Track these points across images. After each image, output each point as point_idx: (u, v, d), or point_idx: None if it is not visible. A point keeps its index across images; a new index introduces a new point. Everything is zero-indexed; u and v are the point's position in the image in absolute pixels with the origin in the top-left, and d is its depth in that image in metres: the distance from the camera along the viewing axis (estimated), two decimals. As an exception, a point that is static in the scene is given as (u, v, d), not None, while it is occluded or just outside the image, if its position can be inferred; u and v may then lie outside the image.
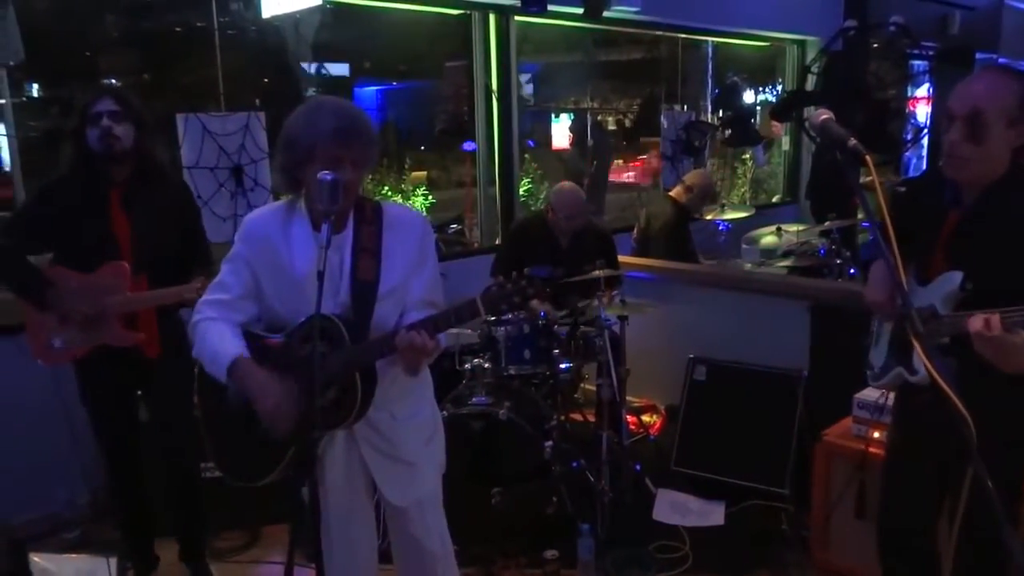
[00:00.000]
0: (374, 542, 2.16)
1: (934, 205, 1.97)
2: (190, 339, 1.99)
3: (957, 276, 1.85)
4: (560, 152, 9.27)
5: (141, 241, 2.53)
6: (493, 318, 1.76)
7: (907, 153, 7.07)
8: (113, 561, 2.91)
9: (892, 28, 4.93)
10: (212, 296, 1.97)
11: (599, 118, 9.94)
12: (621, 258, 4.12)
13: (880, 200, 1.55)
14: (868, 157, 1.60)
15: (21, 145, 3.72)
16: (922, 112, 7.56)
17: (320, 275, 1.69)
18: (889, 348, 2.12)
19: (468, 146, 5.38)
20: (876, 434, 2.70)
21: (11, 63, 3.29)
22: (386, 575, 2.20)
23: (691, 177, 5.02)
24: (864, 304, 2.16)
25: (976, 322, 1.66)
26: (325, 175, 1.75)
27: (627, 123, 9.90)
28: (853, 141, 1.63)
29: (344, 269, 1.89)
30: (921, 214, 2.01)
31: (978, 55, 8.79)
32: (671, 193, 5.02)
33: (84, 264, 2.49)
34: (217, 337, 1.89)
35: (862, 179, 1.70)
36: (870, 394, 2.76)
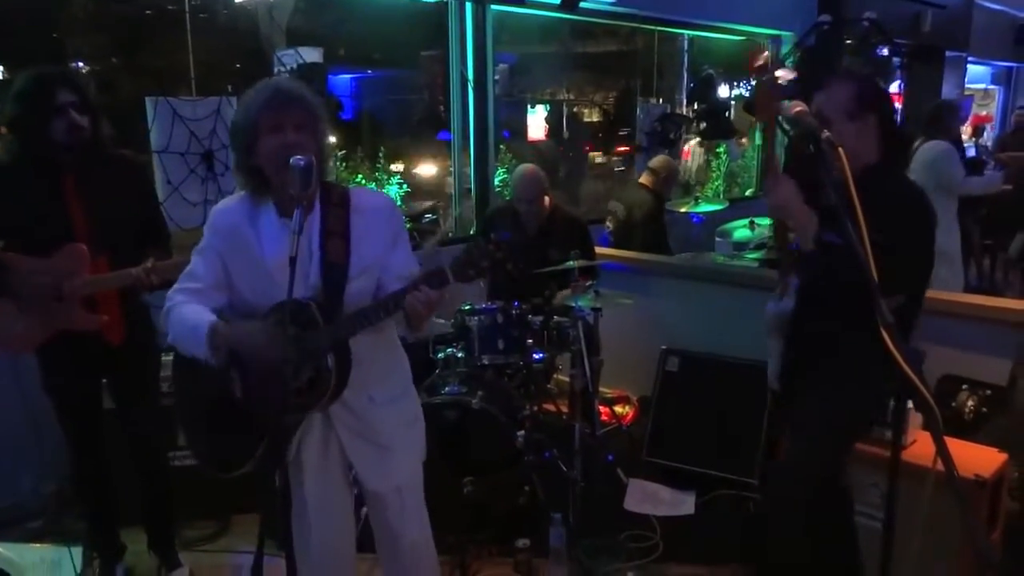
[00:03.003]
0: (351, 527, 2.15)
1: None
2: (161, 327, 1.96)
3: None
4: (536, 143, 9.25)
5: (97, 224, 2.46)
6: (463, 283, 1.74)
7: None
8: (78, 550, 2.88)
9: (865, 24, 4.99)
10: (183, 285, 1.96)
11: (575, 109, 9.93)
12: (596, 249, 4.12)
13: (851, 191, 1.57)
14: (840, 149, 1.62)
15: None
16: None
17: (292, 261, 1.68)
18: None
19: (444, 136, 5.36)
20: (844, 424, 2.74)
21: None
22: (363, 564, 2.19)
23: (655, 163, 5.06)
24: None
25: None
26: (298, 160, 1.74)
27: (603, 115, 9.91)
28: (826, 133, 1.65)
29: (313, 253, 1.88)
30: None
31: (948, 53, 8.94)
32: (641, 181, 5.05)
33: (39, 249, 2.41)
34: (191, 314, 1.88)
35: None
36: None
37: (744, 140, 8.18)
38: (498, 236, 1.76)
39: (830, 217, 2.04)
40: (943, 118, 4.83)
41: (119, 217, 2.53)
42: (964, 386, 3.10)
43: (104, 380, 2.71)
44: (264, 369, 1.79)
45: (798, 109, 1.78)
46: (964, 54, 9.31)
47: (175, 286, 1.98)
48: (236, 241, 1.91)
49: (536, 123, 9.61)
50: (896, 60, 6.02)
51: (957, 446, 2.44)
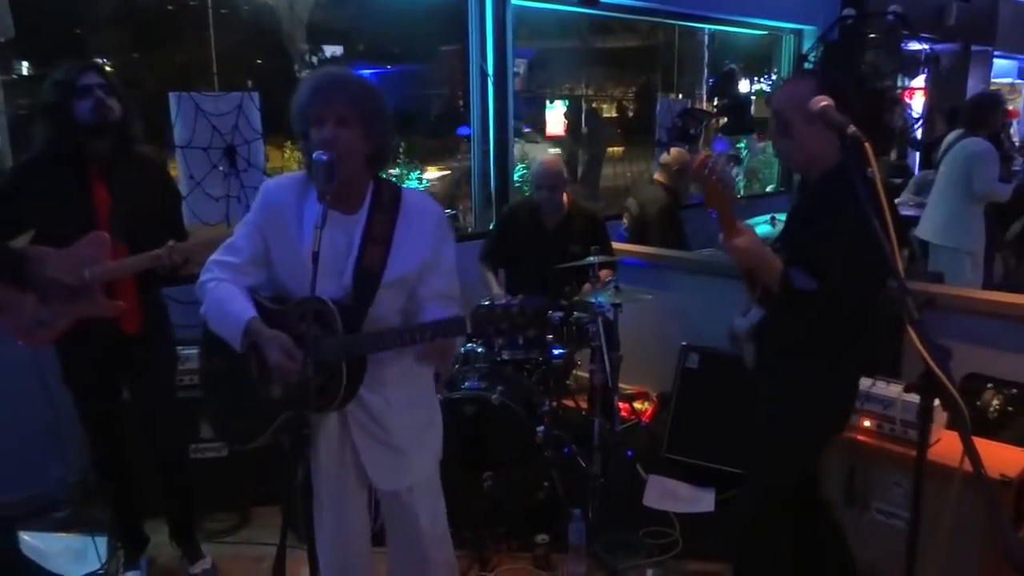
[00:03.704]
0: (366, 523, 2.15)
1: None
2: (199, 298, 1.95)
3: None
4: (555, 139, 9.23)
5: (120, 213, 2.50)
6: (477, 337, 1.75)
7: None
8: (102, 540, 2.92)
9: (890, 17, 4.92)
10: (222, 257, 1.95)
11: (594, 105, 9.89)
12: (615, 245, 4.11)
13: (879, 188, 1.55)
14: (867, 144, 1.60)
15: (10, 123, 3.68)
16: (918, 103, 7.56)
17: (315, 256, 1.68)
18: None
19: (463, 131, 5.36)
20: (866, 423, 2.72)
21: (1, 40, 3.24)
22: (380, 557, 2.20)
23: (666, 158, 5.02)
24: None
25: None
26: (320, 155, 1.75)
27: (623, 110, 9.86)
28: (852, 128, 1.63)
29: (352, 252, 1.86)
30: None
31: (974, 48, 8.81)
32: (656, 177, 5.02)
33: (63, 240, 2.45)
34: (232, 300, 1.88)
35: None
36: (861, 383, 2.77)
37: (766, 135, 8.11)
38: (528, 302, 1.71)
39: (797, 253, 2.07)
40: (984, 111, 4.72)
41: (141, 210, 2.56)
42: (989, 384, 3.06)
43: (122, 373, 2.74)
44: (279, 376, 1.84)
45: (823, 104, 1.76)
46: (990, 48, 9.18)
47: (214, 255, 1.97)
48: (279, 220, 1.89)
49: (555, 118, 9.60)
50: (926, 51, 5.92)
51: (982, 445, 2.38)
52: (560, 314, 3.43)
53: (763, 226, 5.34)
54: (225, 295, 1.89)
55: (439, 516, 2.12)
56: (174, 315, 2.84)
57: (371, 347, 1.83)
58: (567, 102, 9.36)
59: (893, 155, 6.82)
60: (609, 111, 9.95)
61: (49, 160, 2.48)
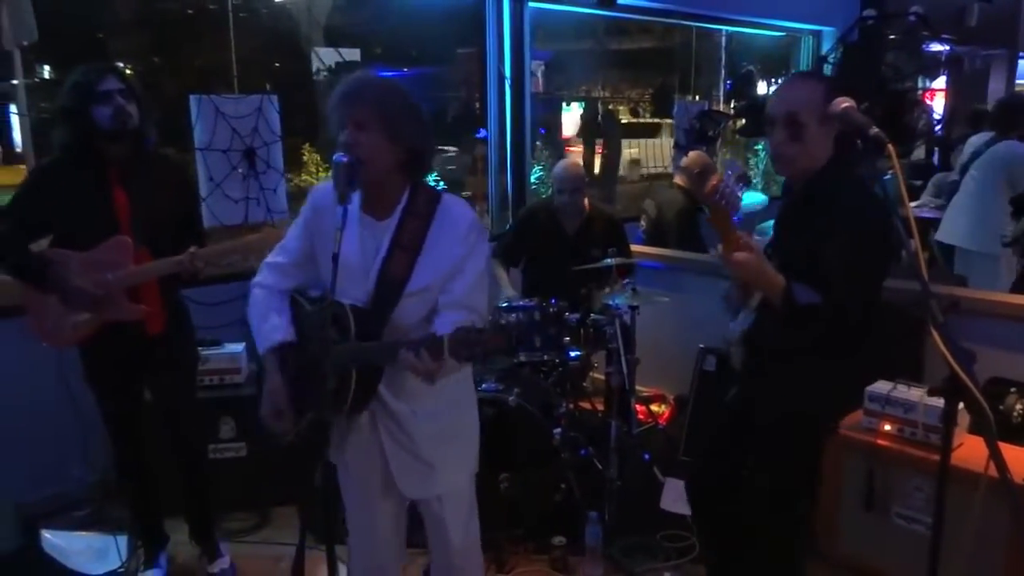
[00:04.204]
0: (395, 527, 2.11)
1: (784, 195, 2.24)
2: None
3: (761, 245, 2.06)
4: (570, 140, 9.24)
5: (140, 217, 2.51)
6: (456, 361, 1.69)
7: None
8: (123, 539, 2.95)
9: (912, 18, 4.88)
10: (273, 258, 2.02)
11: (610, 107, 9.89)
12: (632, 247, 4.10)
13: (902, 189, 1.54)
14: (890, 145, 1.59)
15: (32, 126, 3.72)
16: (938, 104, 7.49)
17: (335, 258, 1.70)
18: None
19: (482, 134, 5.37)
20: (887, 427, 2.69)
21: (24, 43, 3.28)
22: (416, 558, 2.20)
23: (686, 161, 5.00)
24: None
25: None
26: (339, 157, 1.76)
27: (639, 112, 9.86)
28: (875, 129, 1.62)
29: (378, 257, 1.85)
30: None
31: (995, 51, 8.71)
32: (676, 181, 5.00)
33: (83, 242, 2.48)
34: (261, 314, 1.96)
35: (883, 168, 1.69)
36: (882, 387, 2.74)
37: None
38: (513, 321, 1.70)
39: (792, 261, 2.05)
40: (1014, 113, 4.61)
41: (161, 212, 2.58)
42: (1012, 389, 3.02)
43: (145, 373, 2.76)
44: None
45: (845, 105, 1.74)
46: (1012, 49, 9.07)
47: (268, 257, 2.04)
48: (322, 222, 1.90)
49: (571, 120, 9.61)
50: (947, 51, 5.85)
51: (1005, 450, 2.36)
52: (577, 316, 3.43)
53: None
54: (261, 311, 1.97)
55: (469, 527, 2.09)
56: (193, 316, 2.86)
57: (379, 356, 1.82)
58: (583, 104, 9.35)
59: (921, 153, 6.73)
60: (625, 113, 9.94)
61: (69, 163, 2.49)
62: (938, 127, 6.47)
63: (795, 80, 2.15)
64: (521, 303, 3.43)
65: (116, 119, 2.43)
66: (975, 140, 4.80)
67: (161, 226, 2.57)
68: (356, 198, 1.85)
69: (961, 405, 1.52)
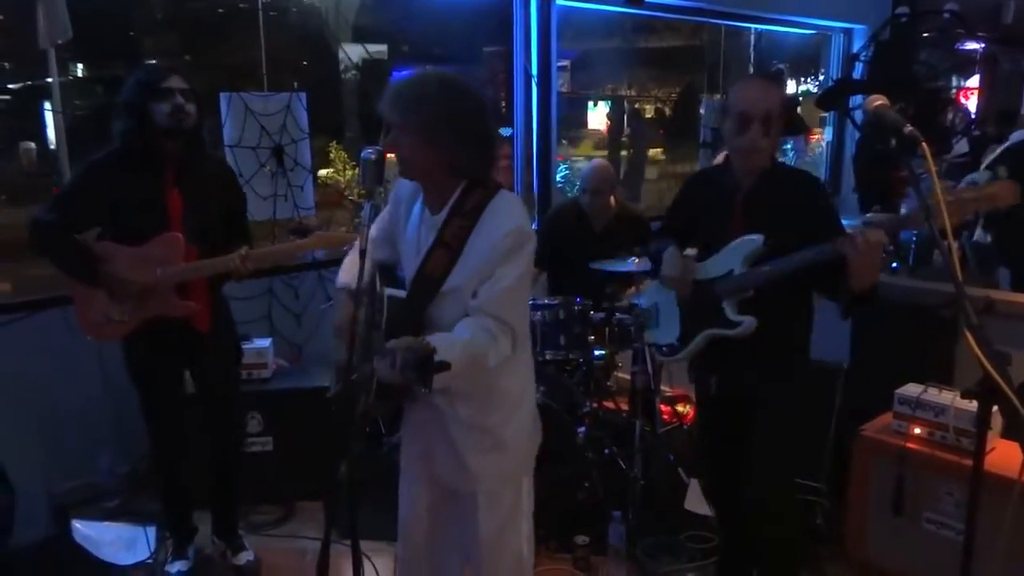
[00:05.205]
0: (432, 518, 2.09)
1: (719, 192, 2.33)
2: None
3: (758, 238, 2.19)
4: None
5: (192, 215, 2.55)
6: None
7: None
8: (152, 530, 2.99)
9: (946, 16, 4.79)
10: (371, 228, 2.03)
11: (636, 106, 9.85)
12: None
13: (936, 189, 1.51)
14: (924, 144, 1.56)
15: (66, 123, 3.79)
16: (971, 104, 7.34)
17: (362, 254, 1.72)
18: (682, 321, 2.48)
19: (507, 132, 5.36)
20: (917, 430, 2.65)
21: (59, 42, 3.34)
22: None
23: (720, 160, 4.95)
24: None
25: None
26: (368, 152, 1.78)
27: (666, 111, 9.79)
28: (909, 127, 1.59)
29: (420, 254, 1.86)
30: (710, 200, 2.37)
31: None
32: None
33: (134, 238, 2.51)
34: (349, 265, 2.05)
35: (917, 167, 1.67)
36: (912, 389, 2.70)
37: (815, 136, 7.98)
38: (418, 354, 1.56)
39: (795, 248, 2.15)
40: None
41: (211, 212, 2.62)
42: (1047, 394, 2.97)
43: (191, 368, 2.80)
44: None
45: (879, 103, 1.72)
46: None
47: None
48: (397, 212, 2.00)
49: (597, 119, 9.58)
50: (981, 49, 5.72)
51: (1040, 456, 2.33)
52: (602, 315, 3.41)
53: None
54: (348, 259, 2.08)
55: (509, 527, 2.02)
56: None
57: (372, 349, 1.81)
58: (610, 103, 9.32)
59: (964, 148, 6.58)
60: (652, 112, 9.88)
61: (124, 158, 2.51)
62: (974, 127, 6.35)
63: (763, 82, 2.31)
64: (545, 301, 3.42)
65: (173, 116, 2.45)
66: (1017, 139, 4.69)
67: (211, 225, 2.61)
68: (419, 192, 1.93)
69: (994, 409, 1.50)
